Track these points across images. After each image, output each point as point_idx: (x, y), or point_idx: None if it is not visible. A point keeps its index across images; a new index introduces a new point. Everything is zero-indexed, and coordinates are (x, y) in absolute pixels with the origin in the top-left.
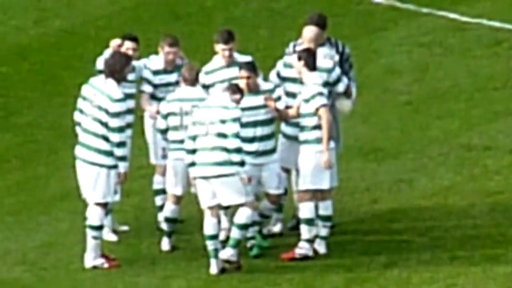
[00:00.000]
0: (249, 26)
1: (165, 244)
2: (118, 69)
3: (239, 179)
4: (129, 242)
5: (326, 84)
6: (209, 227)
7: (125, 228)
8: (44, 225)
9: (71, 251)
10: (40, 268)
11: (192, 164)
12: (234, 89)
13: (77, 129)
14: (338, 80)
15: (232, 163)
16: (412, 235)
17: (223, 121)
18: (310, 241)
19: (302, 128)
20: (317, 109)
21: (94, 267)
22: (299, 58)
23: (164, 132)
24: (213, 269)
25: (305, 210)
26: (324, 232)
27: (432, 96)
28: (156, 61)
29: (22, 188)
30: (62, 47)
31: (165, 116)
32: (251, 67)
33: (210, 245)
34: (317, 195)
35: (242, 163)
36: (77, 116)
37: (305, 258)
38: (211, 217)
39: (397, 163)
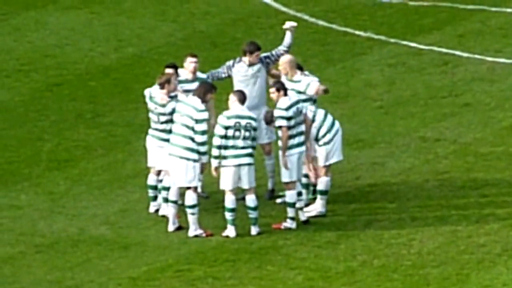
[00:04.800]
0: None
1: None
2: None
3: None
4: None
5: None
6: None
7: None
8: (121, 196)
9: (140, 215)
10: (118, 227)
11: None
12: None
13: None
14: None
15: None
16: (384, 203)
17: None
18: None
19: None
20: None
21: (196, 236)
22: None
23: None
24: (232, 233)
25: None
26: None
27: (398, 102)
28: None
29: (105, 170)
30: (134, 67)
31: None
32: None
33: (230, 216)
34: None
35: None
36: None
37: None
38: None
39: (373, 151)
